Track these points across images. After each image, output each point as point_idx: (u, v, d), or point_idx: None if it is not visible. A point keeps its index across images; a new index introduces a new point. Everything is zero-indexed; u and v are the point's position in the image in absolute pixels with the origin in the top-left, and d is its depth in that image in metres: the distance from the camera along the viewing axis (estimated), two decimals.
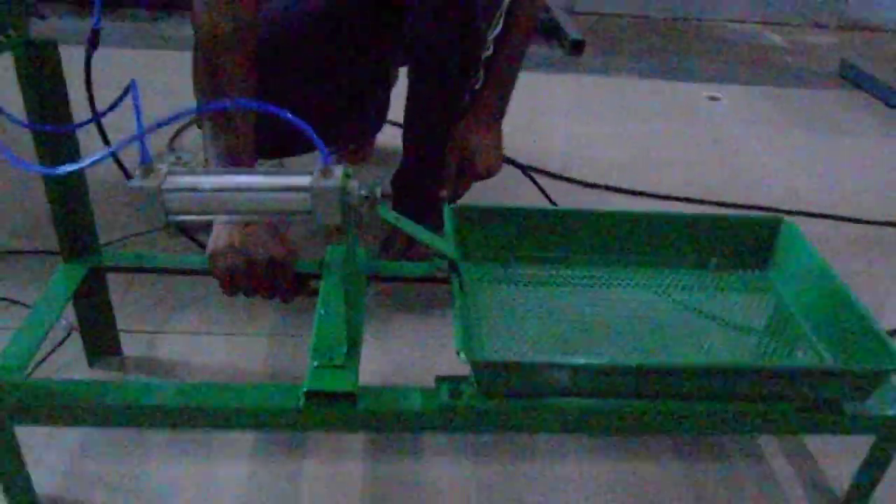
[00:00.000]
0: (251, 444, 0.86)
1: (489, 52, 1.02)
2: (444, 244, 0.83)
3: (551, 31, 2.37)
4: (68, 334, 0.97)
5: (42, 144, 0.75)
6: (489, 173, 1.06)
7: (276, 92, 0.87)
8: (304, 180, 0.65)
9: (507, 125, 1.14)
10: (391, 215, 0.76)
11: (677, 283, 0.92)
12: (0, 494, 0.73)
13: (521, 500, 0.83)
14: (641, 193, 1.48)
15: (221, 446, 0.85)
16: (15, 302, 1.03)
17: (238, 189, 0.66)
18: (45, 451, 0.82)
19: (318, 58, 1.08)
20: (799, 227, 0.92)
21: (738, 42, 2.57)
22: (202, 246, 1.00)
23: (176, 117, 0.61)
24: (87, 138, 0.78)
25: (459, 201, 1.17)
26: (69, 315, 0.93)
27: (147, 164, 0.64)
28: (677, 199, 1.47)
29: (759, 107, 2.00)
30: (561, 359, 0.77)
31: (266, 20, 0.99)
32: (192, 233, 1.08)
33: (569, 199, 1.42)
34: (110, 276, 0.92)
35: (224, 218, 0.85)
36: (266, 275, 0.84)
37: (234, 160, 0.83)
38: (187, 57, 1.21)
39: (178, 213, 0.65)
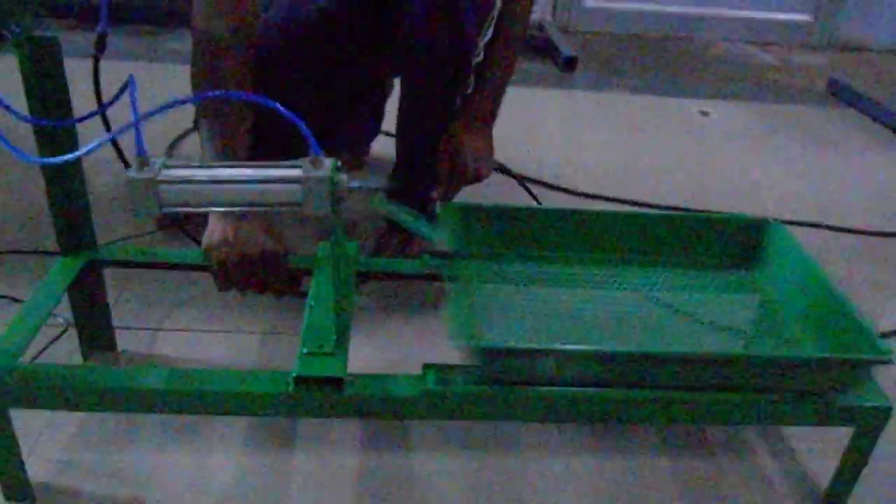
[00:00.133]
0: (241, 435, 0.87)
1: (480, 59, 1.05)
2: (439, 236, 0.85)
3: (544, 49, 2.42)
4: (64, 330, 0.99)
5: (43, 139, 0.78)
6: (479, 176, 1.09)
7: (272, 98, 0.90)
8: (294, 171, 0.68)
9: (502, 136, 1.17)
10: (388, 206, 0.79)
11: (667, 283, 0.94)
12: None
13: (510, 492, 0.84)
14: (632, 203, 1.51)
15: (212, 438, 0.87)
16: (16, 300, 1.04)
17: (230, 181, 0.68)
18: (40, 441, 0.84)
19: (314, 66, 1.12)
20: (786, 228, 0.94)
21: (729, 61, 2.62)
22: (198, 243, 1.02)
23: (171, 105, 0.64)
24: (87, 136, 0.80)
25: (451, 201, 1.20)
26: (66, 312, 0.94)
27: (143, 157, 0.66)
28: (667, 208, 1.50)
29: (749, 122, 2.03)
30: (555, 345, 0.79)
31: (264, 28, 1.02)
32: (193, 234, 1.10)
33: None
34: (107, 275, 0.94)
35: (219, 213, 0.88)
36: (258, 269, 0.86)
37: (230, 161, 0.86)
38: (188, 70, 1.25)
39: (172, 205, 0.68)
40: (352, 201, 1.38)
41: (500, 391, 0.72)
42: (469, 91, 1.07)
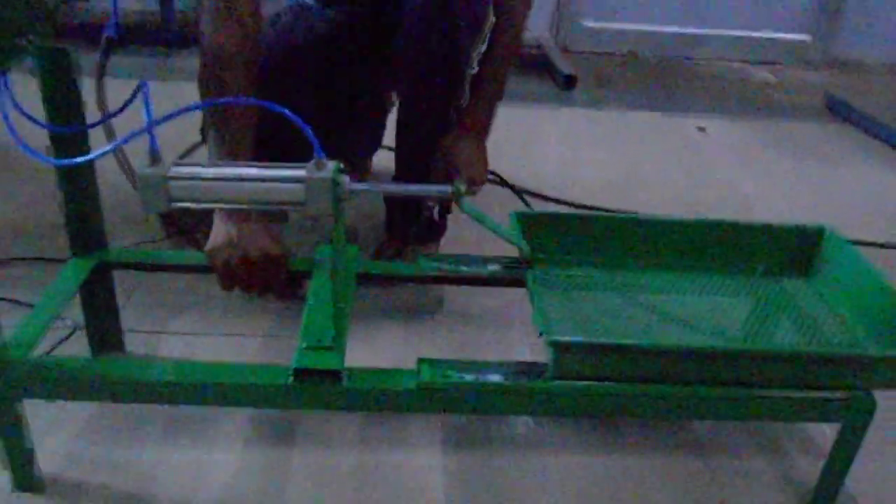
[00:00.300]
0: (243, 432, 0.90)
1: (475, 71, 1.09)
2: (521, 242, 0.89)
3: (544, 68, 2.47)
4: (73, 331, 1.02)
5: (58, 144, 0.81)
6: (474, 185, 1.12)
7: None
8: (297, 172, 0.71)
9: (502, 152, 1.20)
10: (473, 210, 0.84)
11: (728, 289, 0.96)
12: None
13: (504, 489, 0.86)
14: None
15: (214, 434, 0.89)
16: (26, 304, 1.08)
17: (236, 179, 0.71)
18: (49, 435, 0.86)
19: (316, 80, 1.16)
20: (841, 236, 0.96)
21: (726, 78, 2.66)
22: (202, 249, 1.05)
23: (182, 111, 0.67)
24: (96, 146, 0.84)
25: (449, 208, 1.23)
26: (75, 315, 0.98)
27: (155, 154, 0.70)
28: None
29: (746, 137, 2.07)
30: (642, 341, 0.81)
31: (268, 44, 1.06)
32: (203, 243, 1.14)
33: None
34: (117, 280, 0.97)
35: (223, 216, 0.91)
36: (260, 270, 0.89)
37: None
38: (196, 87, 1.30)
39: (180, 200, 0.71)
40: (354, 211, 1.42)
41: (492, 386, 0.74)
42: (464, 103, 1.11)
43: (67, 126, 0.81)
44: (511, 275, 0.93)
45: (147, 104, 0.68)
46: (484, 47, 1.08)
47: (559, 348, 0.73)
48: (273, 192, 0.71)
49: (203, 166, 0.72)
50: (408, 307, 1.16)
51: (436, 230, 1.25)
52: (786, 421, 0.95)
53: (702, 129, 2.09)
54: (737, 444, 0.94)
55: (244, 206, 0.76)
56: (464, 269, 0.94)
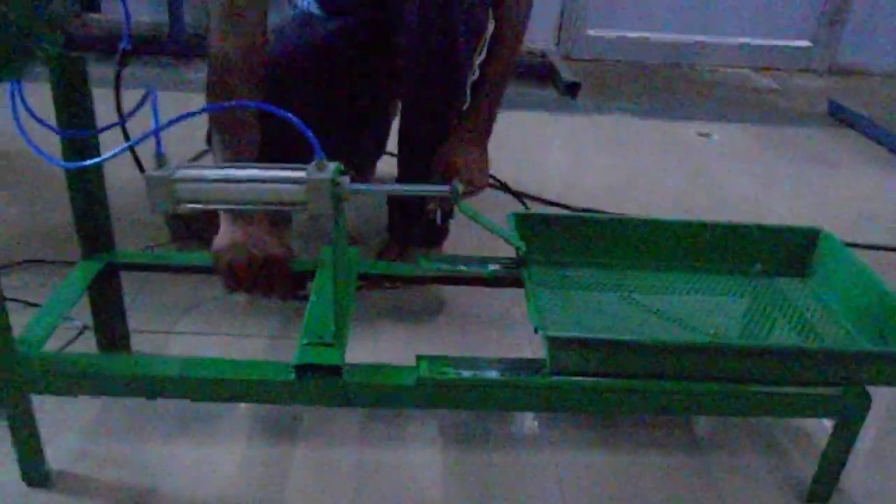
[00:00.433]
0: (246, 429, 0.92)
1: (475, 77, 1.11)
2: (516, 239, 0.91)
3: (548, 76, 2.49)
4: (81, 332, 1.04)
5: (69, 147, 0.84)
6: (474, 189, 1.14)
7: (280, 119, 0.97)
8: (299, 173, 0.74)
9: (505, 158, 1.22)
10: (470, 210, 0.86)
11: (724, 289, 0.98)
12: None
13: (502, 486, 0.87)
14: None
15: (218, 431, 0.91)
16: (35, 305, 1.10)
17: (240, 180, 0.74)
18: (58, 432, 0.89)
19: (319, 88, 1.18)
20: (836, 237, 0.97)
21: (729, 85, 2.68)
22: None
23: (188, 115, 0.70)
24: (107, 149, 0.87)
25: (451, 212, 1.25)
26: (83, 316, 1.00)
27: (161, 157, 0.72)
28: None
29: (749, 142, 2.08)
30: (638, 337, 0.83)
31: (272, 52, 1.09)
32: (203, 245, 1.16)
33: None
34: (124, 281, 1.00)
35: (228, 219, 0.94)
36: (264, 271, 0.91)
37: None
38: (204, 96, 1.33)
39: (186, 201, 0.73)
40: (356, 215, 1.44)
41: (490, 382, 0.76)
42: (465, 108, 1.13)
43: (78, 131, 0.84)
44: (511, 275, 0.94)
45: (154, 110, 0.70)
46: (484, 53, 1.10)
47: (555, 343, 0.74)
48: (275, 192, 0.74)
49: (207, 168, 0.74)
50: (409, 308, 1.18)
51: (438, 234, 1.27)
52: (781, 416, 0.96)
53: (704, 135, 2.11)
54: (734, 441, 0.95)
55: (247, 207, 0.78)
56: (463, 269, 0.95)
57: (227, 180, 0.73)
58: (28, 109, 0.73)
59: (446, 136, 1.14)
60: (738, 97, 2.54)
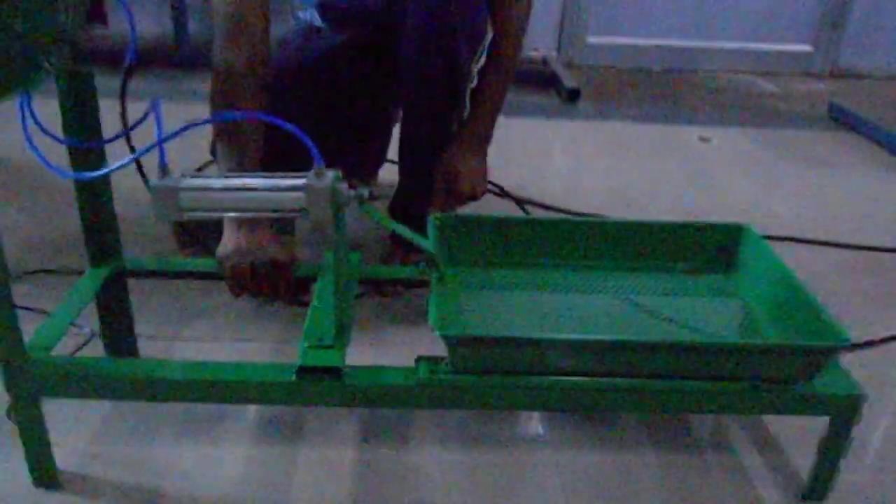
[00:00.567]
0: (250, 430, 0.94)
1: (475, 84, 1.13)
2: (427, 243, 0.92)
3: (549, 82, 2.52)
4: (89, 338, 1.07)
5: (76, 158, 0.87)
6: (475, 196, 1.16)
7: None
8: (299, 181, 0.76)
9: (506, 163, 1.24)
10: (378, 215, 0.86)
11: (649, 287, 1.00)
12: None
13: (501, 485, 0.89)
14: None
15: (223, 432, 0.93)
16: (46, 312, 1.13)
17: (242, 189, 0.76)
18: (67, 434, 0.91)
19: (322, 97, 1.21)
20: (757, 231, 0.99)
21: (730, 90, 2.69)
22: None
23: (192, 125, 0.72)
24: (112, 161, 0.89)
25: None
26: (92, 322, 1.02)
27: (165, 168, 0.75)
28: None
29: (749, 146, 2.09)
30: (532, 334, 0.85)
31: (276, 63, 1.12)
32: (209, 252, 1.19)
33: None
34: (132, 288, 1.02)
35: (233, 225, 0.96)
36: (268, 276, 0.94)
37: None
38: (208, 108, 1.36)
39: (190, 210, 0.76)
40: (359, 222, 1.46)
41: (487, 381, 0.78)
42: (465, 115, 1.15)
43: (85, 142, 0.86)
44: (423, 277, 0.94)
45: (158, 120, 0.72)
46: (483, 61, 1.12)
47: (450, 342, 0.76)
48: (276, 200, 0.76)
49: (210, 178, 0.76)
50: (410, 312, 1.20)
51: None
52: (763, 414, 0.96)
53: (705, 140, 2.12)
54: (732, 440, 0.97)
55: (250, 214, 0.81)
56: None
57: (229, 189, 0.76)
58: (37, 123, 0.75)
59: (447, 143, 1.16)
60: (738, 101, 2.56)
